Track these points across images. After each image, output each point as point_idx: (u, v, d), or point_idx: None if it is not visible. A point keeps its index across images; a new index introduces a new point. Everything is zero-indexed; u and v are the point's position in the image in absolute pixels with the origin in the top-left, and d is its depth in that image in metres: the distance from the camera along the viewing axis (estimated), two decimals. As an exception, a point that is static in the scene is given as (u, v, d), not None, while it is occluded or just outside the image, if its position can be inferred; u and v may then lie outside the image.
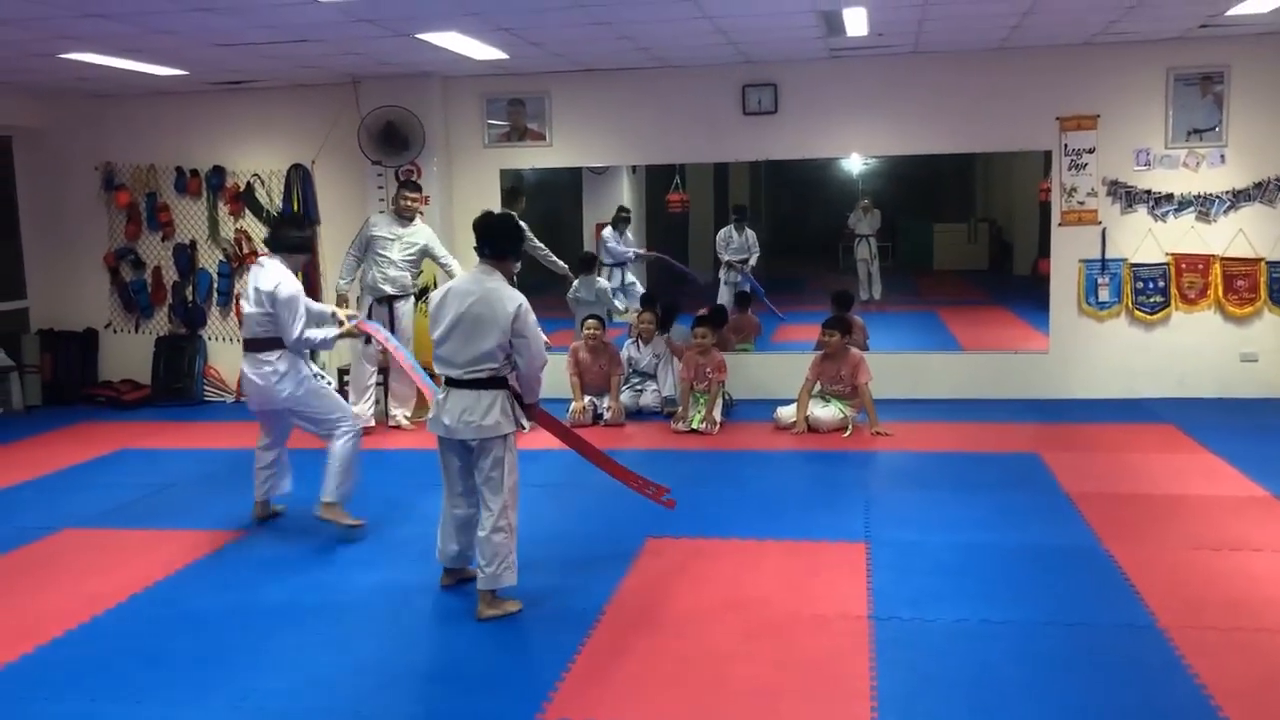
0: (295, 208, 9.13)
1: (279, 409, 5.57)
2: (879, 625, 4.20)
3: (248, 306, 5.48)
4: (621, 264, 10.20)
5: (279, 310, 5.34)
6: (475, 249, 4.56)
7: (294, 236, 5.66)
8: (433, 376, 4.91)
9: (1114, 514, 5.52)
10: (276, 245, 5.62)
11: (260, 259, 5.62)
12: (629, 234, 10.27)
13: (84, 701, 3.77)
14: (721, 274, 10.48)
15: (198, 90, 9.02)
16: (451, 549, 4.72)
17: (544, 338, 4.55)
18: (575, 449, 5.12)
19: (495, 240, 4.53)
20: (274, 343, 5.41)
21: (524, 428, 4.57)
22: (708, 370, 7.82)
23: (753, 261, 10.40)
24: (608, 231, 10.20)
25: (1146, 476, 6.23)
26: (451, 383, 4.45)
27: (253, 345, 5.47)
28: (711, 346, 7.89)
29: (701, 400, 7.82)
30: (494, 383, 4.41)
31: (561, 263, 9.18)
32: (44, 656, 4.16)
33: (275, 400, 5.48)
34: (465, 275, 4.64)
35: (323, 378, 5.73)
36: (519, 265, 4.83)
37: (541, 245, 8.91)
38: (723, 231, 10.50)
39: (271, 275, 5.40)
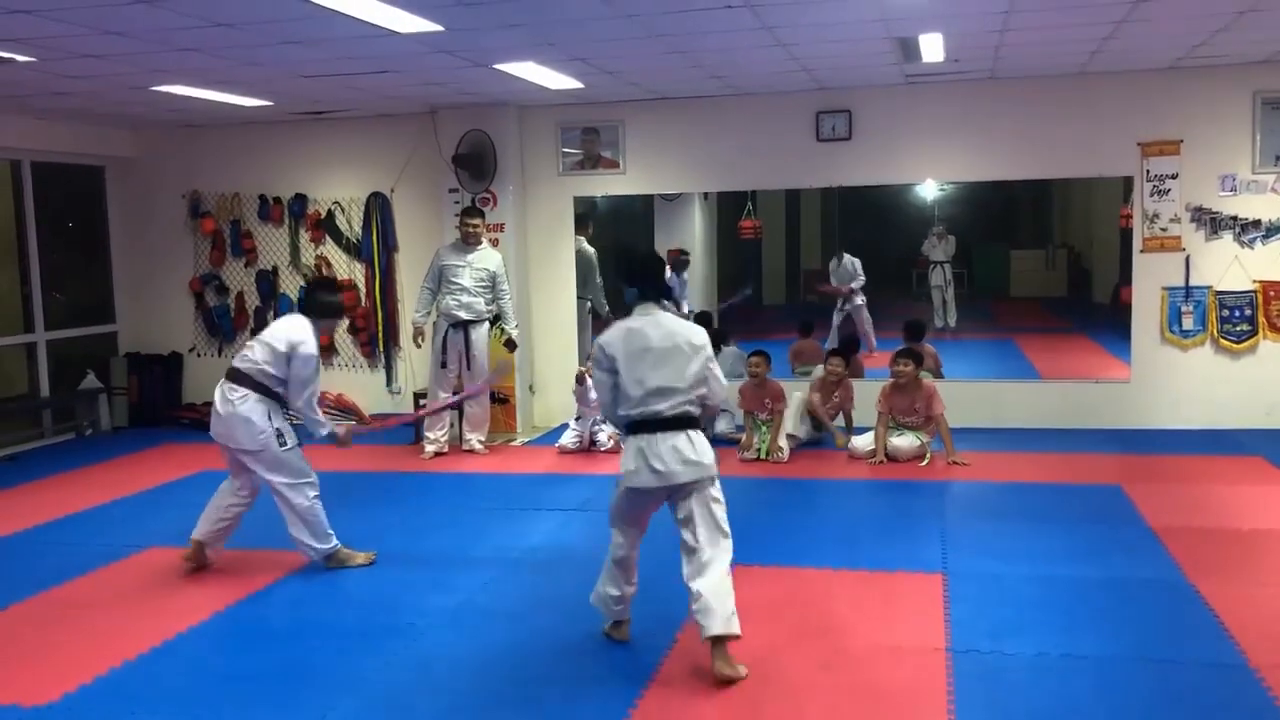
0: (374, 235, 9.32)
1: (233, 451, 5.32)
2: (957, 658, 4.13)
3: (256, 346, 5.27)
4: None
5: (295, 366, 5.17)
6: (632, 289, 4.28)
7: (328, 301, 5.54)
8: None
9: (1200, 548, 5.36)
10: (309, 310, 5.46)
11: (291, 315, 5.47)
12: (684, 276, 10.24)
13: (168, 716, 3.86)
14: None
15: (281, 120, 9.27)
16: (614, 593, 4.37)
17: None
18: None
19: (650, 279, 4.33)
20: (253, 383, 5.21)
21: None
22: (765, 400, 7.78)
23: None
24: (668, 274, 10.09)
25: (1234, 510, 6.05)
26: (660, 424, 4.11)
27: (233, 375, 5.27)
28: (766, 376, 7.83)
29: (764, 429, 7.77)
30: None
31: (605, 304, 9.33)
32: (131, 670, 4.26)
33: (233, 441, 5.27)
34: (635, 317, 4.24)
35: (284, 442, 5.32)
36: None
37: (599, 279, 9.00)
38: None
39: (300, 329, 5.27)
